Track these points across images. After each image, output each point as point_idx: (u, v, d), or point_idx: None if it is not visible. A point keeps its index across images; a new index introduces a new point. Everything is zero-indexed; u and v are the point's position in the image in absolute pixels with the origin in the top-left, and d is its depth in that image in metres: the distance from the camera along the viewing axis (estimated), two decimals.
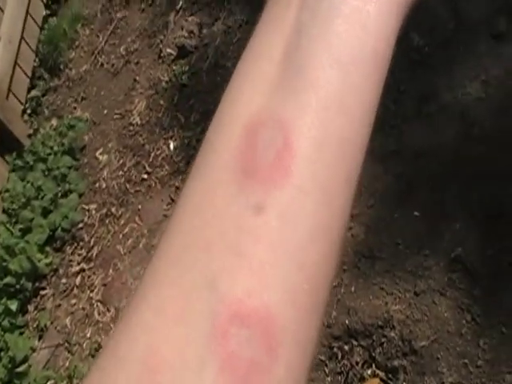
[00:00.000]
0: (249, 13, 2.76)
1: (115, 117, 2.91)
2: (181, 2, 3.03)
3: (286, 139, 0.28)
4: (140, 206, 2.57)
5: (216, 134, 0.31)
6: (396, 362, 1.71)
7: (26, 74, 3.17)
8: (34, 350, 2.43)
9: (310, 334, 0.28)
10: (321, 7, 0.30)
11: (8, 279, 2.49)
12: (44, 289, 2.58)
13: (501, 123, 1.92)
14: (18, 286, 2.50)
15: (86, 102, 3.08)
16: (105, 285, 2.45)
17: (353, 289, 1.88)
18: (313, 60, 0.29)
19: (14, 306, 2.47)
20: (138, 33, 3.13)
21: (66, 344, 2.39)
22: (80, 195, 2.75)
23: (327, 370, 1.82)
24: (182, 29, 2.90)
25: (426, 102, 2.09)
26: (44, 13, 3.42)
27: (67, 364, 2.34)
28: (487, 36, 2.11)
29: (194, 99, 2.70)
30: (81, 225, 2.67)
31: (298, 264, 0.27)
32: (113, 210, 2.63)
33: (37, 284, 2.58)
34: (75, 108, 3.09)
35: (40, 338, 2.46)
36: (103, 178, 2.75)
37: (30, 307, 2.56)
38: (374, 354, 1.76)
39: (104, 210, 2.65)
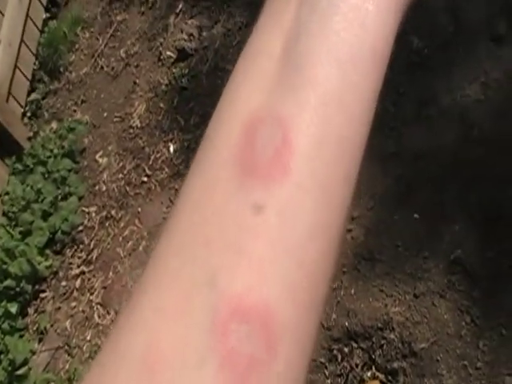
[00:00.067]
0: (248, 15, 2.77)
1: (115, 120, 2.91)
2: (180, 5, 3.04)
3: (285, 136, 0.28)
4: (140, 209, 2.57)
5: (215, 132, 0.31)
6: (396, 364, 1.71)
7: (25, 76, 3.17)
8: (33, 352, 2.42)
9: (309, 331, 0.28)
10: (320, 4, 0.30)
11: (8, 282, 2.49)
12: (44, 291, 2.59)
13: (500, 126, 1.93)
14: (17, 289, 2.50)
15: (86, 105, 3.08)
16: (105, 287, 2.45)
17: (352, 291, 1.88)
18: (311, 57, 0.29)
19: (13, 308, 2.47)
20: (137, 36, 3.13)
21: (66, 347, 2.39)
22: (80, 198, 2.75)
23: (327, 373, 1.82)
24: (182, 32, 2.91)
25: (426, 104, 2.09)
26: (44, 16, 3.42)
27: (67, 367, 2.34)
28: (486, 39, 2.12)
29: (193, 102, 2.70)
30: (81, 227, 2.67)
31: (297, 261, 0.27)
32: (113, 212, 2.64)
33: (37, 287, 2.58)
34: (75, 111, 3.10)
35: (40, 340, 2.46)
36: (103, 181, 2.76)
37: (30, 310, 2.56)
38: (373, 356, 1.76)
39: (104, 213, 2.65)
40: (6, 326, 2.44)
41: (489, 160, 1.88)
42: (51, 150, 2.86)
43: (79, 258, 2.60)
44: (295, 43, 0.30)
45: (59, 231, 2.65)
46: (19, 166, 2.88)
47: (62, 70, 3.28)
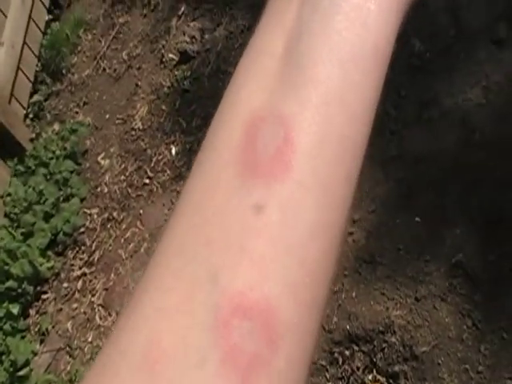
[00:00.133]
0: (251, 18, 2.77)
1: (117, 122, 2.92)
2: (183, 8, 3.04)
3: (287, 135, 0.28)
4: (141, 211, 2.57)
5: (216, 133, 0.31)
6: (397, 368, 1.71)
7: (28, 78, 3.18)
8: (35, 353, 2.43)
9: (311, 329, 0.28)
10: (322, 4, 0.30)
11: (10, 283, 2.49)
12: (45, 293, 2.59)
13: (501, 129, 1.93)
14: (19, 290, 2.51)
15: (88, 107, 3.09)
16: (106, 289, 2.46)
17: (354, 294, 1.88)
18: (313, 56, 0.29)
19: (15, 309, 2.47)
20: (140, 38, 3.14)
21: (68, 348, 2.39)
22: (82, 199, 2.75)
23: (328, 376, 1.82)
24: (184, 34, 2.91)
25: (427, 107, 2.09)
26: (46, 18, 3.43)
27: (68, 368, 2.34)
28: (487, 42, 2.12)
29: (195, 104, 2.70)
30: (82, 229, 2.67)
31: (298, 260, 0.27)
32: (114, 214, 2.64)
33: (38, 288, 2.58)
34: (77, 113, 3.10)
35: (41, 341, 2.46)
36: (105, 183, 2.76)
37: (32, 311, 2.56)
38: (374, 360, 1.76)
39: (106, 215, 2.66)
40: (7, 326, 2.44)
41: (490, 164, 1.88)
42: (53, 152, 2.86)
43: (81, 259, 2.61)
44: (297, 42, 0.30)
45: (61, 233, 2.65)
46: (21, 168, 2.88)
47: (64, 71, 3.28)
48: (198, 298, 0.27)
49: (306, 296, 0.28)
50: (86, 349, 2.35)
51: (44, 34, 3.37)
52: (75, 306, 2.49)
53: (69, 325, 2.45)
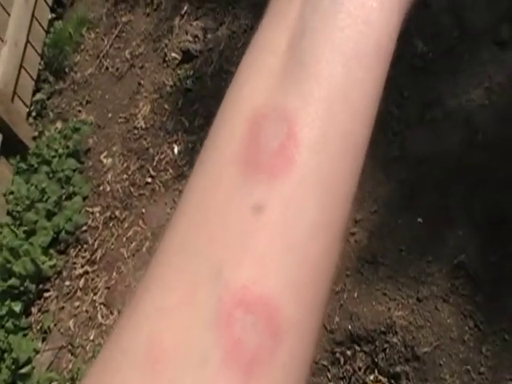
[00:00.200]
0: (253, 18, 2.77)
1: (120, 120, 2.92)
2: (186, 7, 3.04)
3: (290, 130, 0.28)
4: (144, 210, 2.58)
5: (219, 129, 0.31)
6: (398, 368, 1.71)
7: (31, 76, 3.18)
8: (37, 351, 2.43)
9: (313, 326, 0.28)
10: (323, 2, 0.30)
11: (12, 281, 2.50)
12: (48, 291, 2.59)
13: (504, 130, 1.93)
14: (21, 288, 2.51)
15: (91, 106, 3.09)
16: (108, 288, 2.46)
17: (355, 294, 1.89)
18: (315, 53, 0.29)
19: (17, 307, 2.48)
20: (142, 37, 3.14)
21: (70, 346, 2.40)
22: (84, 198, 2.76)
23: (330, 375, 1.82)
24: (187, 33, 2.91)
25: (430, 108, 2.09)
26: (49, 16, 3.43)
27: (70, 366, 2.34)
28: (491, 43, 2.12)
29: (198, 104, 2.71)
30: (85, 227, 2.68)
31: (301, 257, 0.28)
32: (117, 213, 2.64)
33: (40, 286, 2.59)
34: (80, 111, 3.11)
35: (43, 340, 2.47)
36: (107, 181, 2.76)
37: (34, 309, 2.56)
38: (376, 360, 1.76)
39: (108, 213, 2.66)
40: (9, 324, 2.45)
41: (493, 164, 1.88)
42: (56, 150, 2.87)
43: (83, 257, 2.61)
44: (299, 40, 0.30)
45: (63, 231, 2.66)
46: (24, 166, 2.89)
47: (67, 70, 3.29)
48: (201, 292, 0.27)
49: (308, 293, 0.28)
50: (87, 347, 2.35)
51: (47, 32, 3.37)
52: (77, 304, 2.50)
53: (71, 323, 2.46)
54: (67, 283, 2.58)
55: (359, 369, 1.78)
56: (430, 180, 1.95)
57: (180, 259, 0.28)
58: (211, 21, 2.91)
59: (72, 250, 2.65)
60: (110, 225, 2.62)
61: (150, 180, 2.64)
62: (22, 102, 3.08)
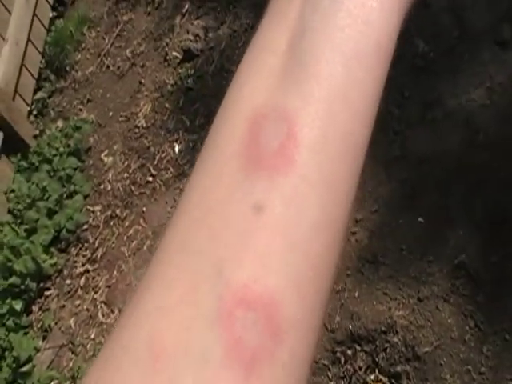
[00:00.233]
0: (254, 17, 2.77)
1: (120, 119, 2.92)
2: (187, 6, 3.04)
3: (290, 130, 0.28)
4: (144, 209, 2.58)
5: (220, 128, 0.31)
6: (399, 368, 1.72)
7: (32, 75, 3.18)
8: (38, 350, 2.43)
9: (314, 324, 0.28)
10: (322, 4, 0.30)
11: (13, 279, 2.50)
12: (48, 289, 2.60)
13: (505, 130, 1.93)
14: (22, 287, 2.51)
15: (92, 104, 3.09)
16: (109, 286, 2.46)
17: (356, 294, 1.89)
18: (315, 53, 0.29)
19: (18, 306, 2.48)
20: (143, 36, 3.14)
21: (70, 345, 2.40)
22: (85, 197, 2.76)
23: (330, 375, 1.83)
24: (188, 32, 2.91)
25: (431, 108, 2.09)
26: (51, 15, 3.43)
27: (71, 365, 2.35)
28: (491, 43, 2.12)
29: (199, 103, 2.71)
30: (85, 226, 2.68)
31: (302, 255, 0.28)
32: (117, 211, 2.64)
33: (41, 284, 2.59)
34: (81, 110, 3.11)
35: (44, 338, 2.47)
36: (108, 180, 2.76)
37: (35, 307, 2.57)
38: (377, 359, 1.76)
39: (109, 212, 2.66)
40: (10, 323, 2.45)
41: (494, 164, 1.88)
42: (57, 149, 2.87)
43: (84, 256, 2.61)
44: (299, 40, 0.30)
45: (64, 229, 2.66)
46: (25, 164, 2.89)
47: (68, 68, 3.29)
48: (202, 291, 0.27)
49: (310, 290, 0.28)
50: (88, 346, 2.35)
51: (48, 31, 3.37)
52: (78, 302, 2.50)
53: (71, 321, 2.46)
54: (68, 282, 2.58)
55: (360, 368, 1.78)
56: (431, 180, 1.95)
57: (181, 257, 0.28)
58: (212, 20, 2.91)
59: (73, 248, 2.65)
60: (111, 223, 2.63)
61: (150, 179, 2.65)
62: (23, 100, 3.08)
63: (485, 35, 2.14)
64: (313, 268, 0.28)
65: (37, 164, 2.86)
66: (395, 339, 1.75)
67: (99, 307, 2.43)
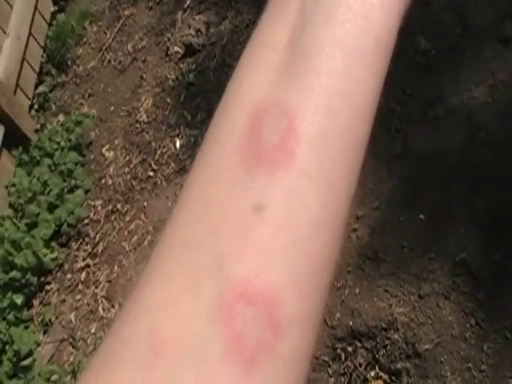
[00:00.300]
0: (256, 12, 2.77)
1: (122, 114, 2.92)
2: (188, 1, 3.04)
3: (290, 124, 0.28)
4: (145, 203, 2.58)
5: (220, 123, 0.31)
6: (399, 365, 1.72)
7: (33, 69, 3.18)
8: (38, 344, 2.44)
9: (314, 319, 0.28)
10: None
11: (14, 273, 2.50)
12: (49, 284, 2.60)
13: (507, 128, 1.93)
14: (23, 281, 2.52)
15: (93, 99, 3.09)
16: (110, 281, 2.47)
17: (357, 290, 1.89)
18: (316, 47, 0.29)
19: (19, 300, 2.49)
20: (145, 30, 3.13)
21: (71, 339, 2.40)
22: (86, 191, 2.76)
23: (330, 371, 1.83)
24: (190, 27, 2.91)
25: (432, 105, 2.09)
26: (52, 9, 3.43)
27: (71, 359, 2.35)
28: (494, 41, 2.12)
29: (200, 98, 2.71)
30: (86, 221, 2.68)
31: (302, 251, 0.28)
32: (118, 206, 2.65)
33: (42, 279, 2.60)
34: (82, 104, 3.11)
35: (45, 332, 2.48)
36: (109, 175, 2.77)
37: (35, 302, 2.57)
38: (377, 356, 1.77)
39: (110, 207, 2.67)
40: (11, 317, 2.45)
41: (496, 162, 1.88)
42: (58, 143, 2.87)
43: (84, 251, 2.62)
44: (300, 35, 0.30)
45: (65, 224, 2.66)
46: (26, 158, 2.89)
47: (69, 63, 3.28)
48: (202, 285, 0.27)
49: (310, 286, 0.28)
50: (89, 340, 2.36)
51: (49, 25, 3.37)
52: (78, 297, 2.51)
53: (72, 316, 2.46)
54: (69, 276, 2.59)
55: (360, 365, 1.79)
56: (433, 177, 1.95)
57: (181, 251, 0.28)
58: (214, 15, 2.91)
59: (74, 243, 2.66)
60: (112, 218, 2.63)
61: (151, 174, 2.65)
62: (25, 94, 3.08)
63: (487, 32, 2.14)
64: (313, 264, 0.28)
65: (38, 158, 2.86)
66: (396, 336, 1.76)
67: (100, 302, 2.44)
